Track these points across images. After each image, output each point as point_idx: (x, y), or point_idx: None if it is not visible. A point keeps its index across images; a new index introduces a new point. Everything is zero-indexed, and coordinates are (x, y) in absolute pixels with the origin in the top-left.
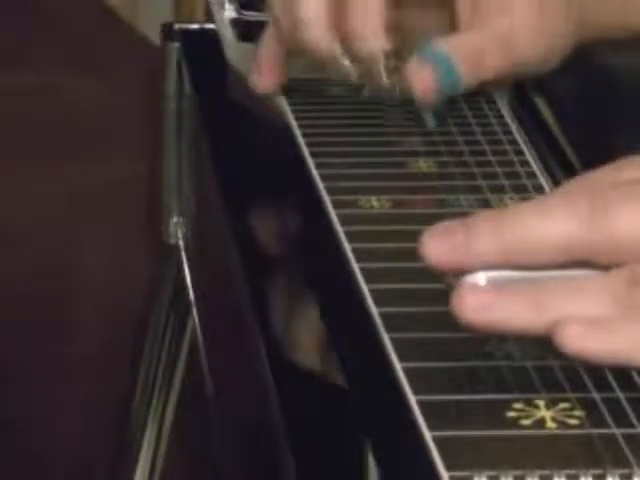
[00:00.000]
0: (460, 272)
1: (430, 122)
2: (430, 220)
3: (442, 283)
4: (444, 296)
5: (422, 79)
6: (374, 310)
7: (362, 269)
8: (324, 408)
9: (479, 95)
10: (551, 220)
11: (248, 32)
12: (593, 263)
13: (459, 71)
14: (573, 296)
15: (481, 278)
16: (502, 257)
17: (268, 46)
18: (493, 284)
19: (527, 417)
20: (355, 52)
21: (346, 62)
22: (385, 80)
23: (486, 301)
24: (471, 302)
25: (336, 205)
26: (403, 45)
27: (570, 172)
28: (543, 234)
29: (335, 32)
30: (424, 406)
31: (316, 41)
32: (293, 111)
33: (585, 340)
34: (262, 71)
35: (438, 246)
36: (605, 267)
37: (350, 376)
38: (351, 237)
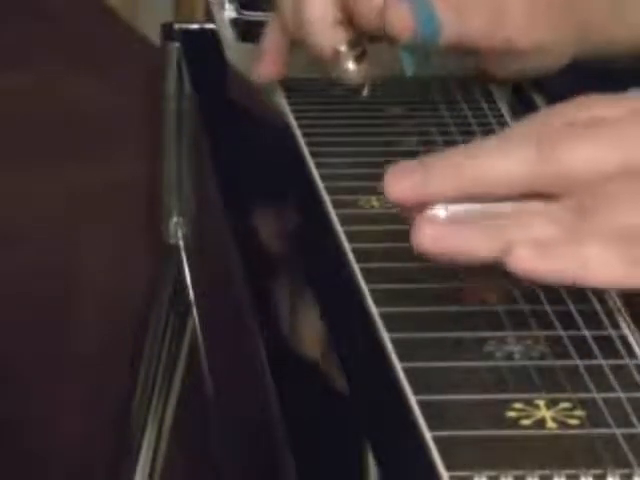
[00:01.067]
0: (421, 208)
1: (408, 68)
2: None
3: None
4: (444, 296)
5: (400, 17)
6: (374, 310)
7: (362, 269)
8: (324, 408)
9: (479, 95)
10: (504, 156)
11: (248, 32)
12: (544, 195)
13: (439, 17)
14: (523, 224)
15: (441, 211)
16: (459, 193)
17: (271, 37)
18: (452, 216)
19: (527, 417)
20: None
21: (350, 64)
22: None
23: (442, 231)
24: (428, 232)
25: (336, 205)
26: None
27: None
28: (496, 170)
29: (342, 32)
30: (424, 406)
31: (320, 41)
32: (293, 111)
33: (533, 262)
34: (264, 61)
35: (399, 184)
36: (556, 199)
37: (350, 376)
38: (351, 237)
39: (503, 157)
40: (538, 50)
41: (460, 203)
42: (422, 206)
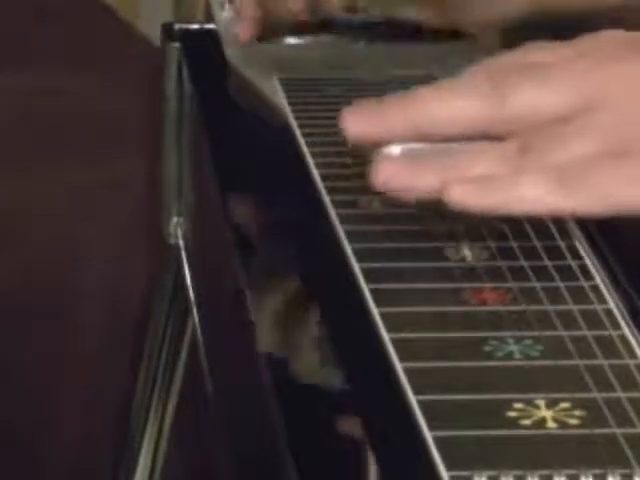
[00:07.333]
0: (377, 145)
1: None
2: (430, 220)
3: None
4: (444, 296)
5: None
6: (374, 310)
7: (362, 269)
8: (324, 408)
9: None
10: (455, 98)
11: None
12: (492, 136)
13: None
14: (471, 162)
15: (395, 149)
16: (412, 132)
17: (244, 3)
18: (407, 155)
19: (527, 417)
20: None
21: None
22: None
23: (397, 170)
24: (384, 171)
25: (336, 205)
26: None
27: None
28: (447, 110)
29: None
30: (424, 406)
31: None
32: (293, 111)
33: (468, 197)
34: (242, 26)
35: (356, 121)
36: (502, 139)
37: (350, 376)
38: (351, 237)
39: (454, 98)
40: (497, 6)
41: (414, 143)
42: (375, 142)
